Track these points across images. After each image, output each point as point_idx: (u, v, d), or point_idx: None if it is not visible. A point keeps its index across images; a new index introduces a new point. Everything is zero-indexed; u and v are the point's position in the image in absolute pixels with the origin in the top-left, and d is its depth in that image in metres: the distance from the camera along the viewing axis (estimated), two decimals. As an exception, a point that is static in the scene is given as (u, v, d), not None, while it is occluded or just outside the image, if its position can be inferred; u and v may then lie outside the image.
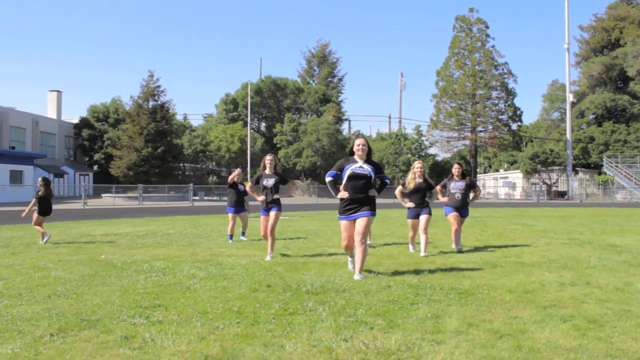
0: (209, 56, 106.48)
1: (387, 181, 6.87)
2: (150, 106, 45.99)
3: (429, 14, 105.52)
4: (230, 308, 4.98)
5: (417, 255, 8.97)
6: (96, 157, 52.66)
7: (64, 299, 5.45)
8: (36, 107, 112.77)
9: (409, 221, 9.42)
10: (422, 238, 9.04)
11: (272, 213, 8.56)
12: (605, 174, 52.49)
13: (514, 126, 55.36)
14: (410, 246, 9.57)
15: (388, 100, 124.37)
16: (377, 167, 6.82)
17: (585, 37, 64.25)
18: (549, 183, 54.56)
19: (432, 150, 67.17)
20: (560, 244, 10.74)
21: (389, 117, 68.08)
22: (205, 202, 38.14)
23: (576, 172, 54.73)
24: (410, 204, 9.29)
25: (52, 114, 54.74)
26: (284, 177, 8.97)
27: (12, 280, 6.60)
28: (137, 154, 43.64)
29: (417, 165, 9.30)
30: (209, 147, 52.92)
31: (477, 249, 9.81)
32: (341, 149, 49.58)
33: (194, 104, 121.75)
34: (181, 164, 52.83)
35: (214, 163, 56.72)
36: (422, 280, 6.39)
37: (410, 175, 9.36)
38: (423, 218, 9.16)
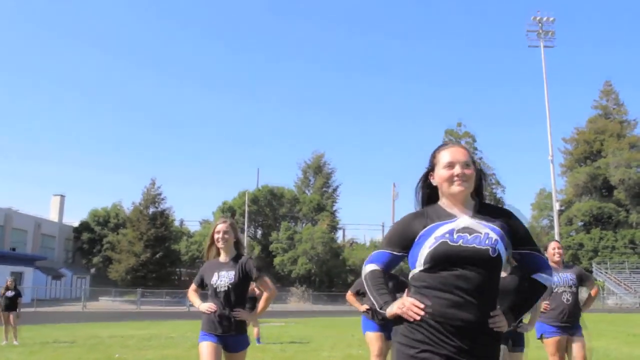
0: (208, 164, 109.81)
1: (549, 283, 2.33)
2: (150, 212, 47.50)
3: (420, 126, 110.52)
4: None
5: None
6: (94, 260, 53.37)
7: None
8: (38, 209, 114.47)
9: None
10: None
11: (235, 358, 4.42)
12: (596, 280, 53.32)
13: (505, 234, 56.59)
14: None
15: (381, 209, 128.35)
16: (514, 227, 2.43)
17: (569, 148, 67.41)
18: (542, 290, 55.05)
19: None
20: (534, 347, 11.63)
21: (382, 226, 69.37)
22: (201, 307, 38.42)
23: (568, 279, 55.39)
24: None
25: (54, 216, 56.05)
26: (251, 266, 4.26)
27: (44, 374, 7.55)
28: (136, 259, 44.51)
29: None
30: (205, 253, 53.74)
31: None
32: (335, 257, 50.71)
33: (191, 209, 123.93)
34: (178, 269, 53.42)
35: (210, 268, 57.19)
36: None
37: None
38: None
